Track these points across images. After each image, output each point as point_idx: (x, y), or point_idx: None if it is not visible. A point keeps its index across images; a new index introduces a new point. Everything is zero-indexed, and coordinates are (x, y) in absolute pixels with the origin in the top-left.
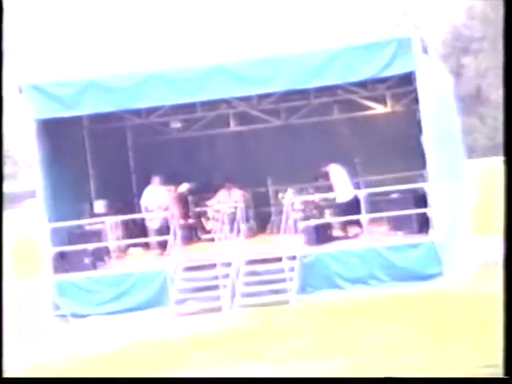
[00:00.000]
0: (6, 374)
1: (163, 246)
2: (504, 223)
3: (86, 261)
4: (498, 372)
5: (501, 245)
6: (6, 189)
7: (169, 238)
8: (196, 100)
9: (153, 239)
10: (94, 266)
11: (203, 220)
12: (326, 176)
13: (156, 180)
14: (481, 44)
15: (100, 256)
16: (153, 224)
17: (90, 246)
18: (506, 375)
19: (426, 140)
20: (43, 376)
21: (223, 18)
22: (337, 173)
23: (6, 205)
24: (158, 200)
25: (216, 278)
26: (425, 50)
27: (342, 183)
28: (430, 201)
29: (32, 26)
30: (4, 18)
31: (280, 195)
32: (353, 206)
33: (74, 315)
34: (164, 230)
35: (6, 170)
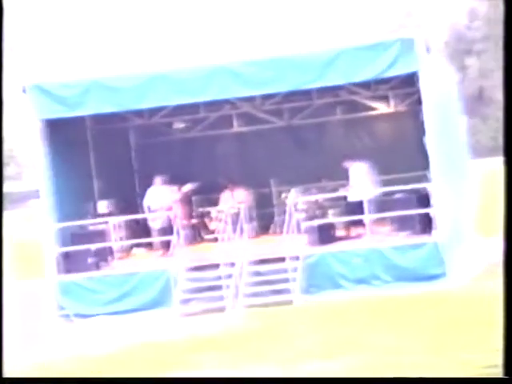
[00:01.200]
0: (8, 374)
1: (166, 246)
2: (504, 223)
3: (90, 261)
4: (499, 372)
5: (501, 245)
6: (10, 189)
7: (172, 238)
8: (199, 100)
9: (156, 239)
10: (97, 267)
11: (206, 220)
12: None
13: (159, 180)
14: (483, 45)
15: (103, 256)
16: (156, 224)
17: (94, 247)
18: (505, 375)
19: (429, 140)
20: (46, 376)
21: (226, 19)
22: (358, 171)
23: (10, 205)
24: (161, 200)
25: (219, 278)
26: (428, 51)
27: (361, 182)
28: (433, 201)
29: (36, 26)
30: (5, 18)
31: (283, 195)
32: (357, 207)
33: (78, 315)
34: (167, 230)
35: (10, 170)
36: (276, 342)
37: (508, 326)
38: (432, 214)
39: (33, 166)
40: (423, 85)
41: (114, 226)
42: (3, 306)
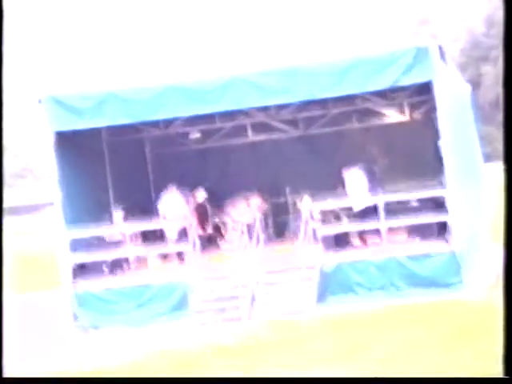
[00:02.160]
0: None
1: (182, 255)
2: (504, 231)
3: (105, 271)
4: None
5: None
6: (27, 201)
7: (188, 247)
8: (214, 111)
9: (172, 249)
10: (113, 277)
11: (222, 229)
12: (343, 184)
13: (174, 189)
14: (500, 52)
15: (119, 267)
16: (171, 234)
17: (109, 257)
18: (505, 375)
19: (444, 148)
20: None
21: (240, 30)
22: (353, 179)
23: (26, 215)
24: (177, 210)
25: (235, 287)
26: (443, 58)
27: (357, 191)
28: (449, 209)
29: (51, 38)
30: (20, 30)
31: (298, 204)
32: (371, 215)
33: (94, 326)
34: (183, 239)
35: (27, 182)
36: (293, 351)
37: (508, 325)
38: (448, 222)
39: (49, 178)
40: (438, 93)
41: (131, 236)
42: (3, 315)
